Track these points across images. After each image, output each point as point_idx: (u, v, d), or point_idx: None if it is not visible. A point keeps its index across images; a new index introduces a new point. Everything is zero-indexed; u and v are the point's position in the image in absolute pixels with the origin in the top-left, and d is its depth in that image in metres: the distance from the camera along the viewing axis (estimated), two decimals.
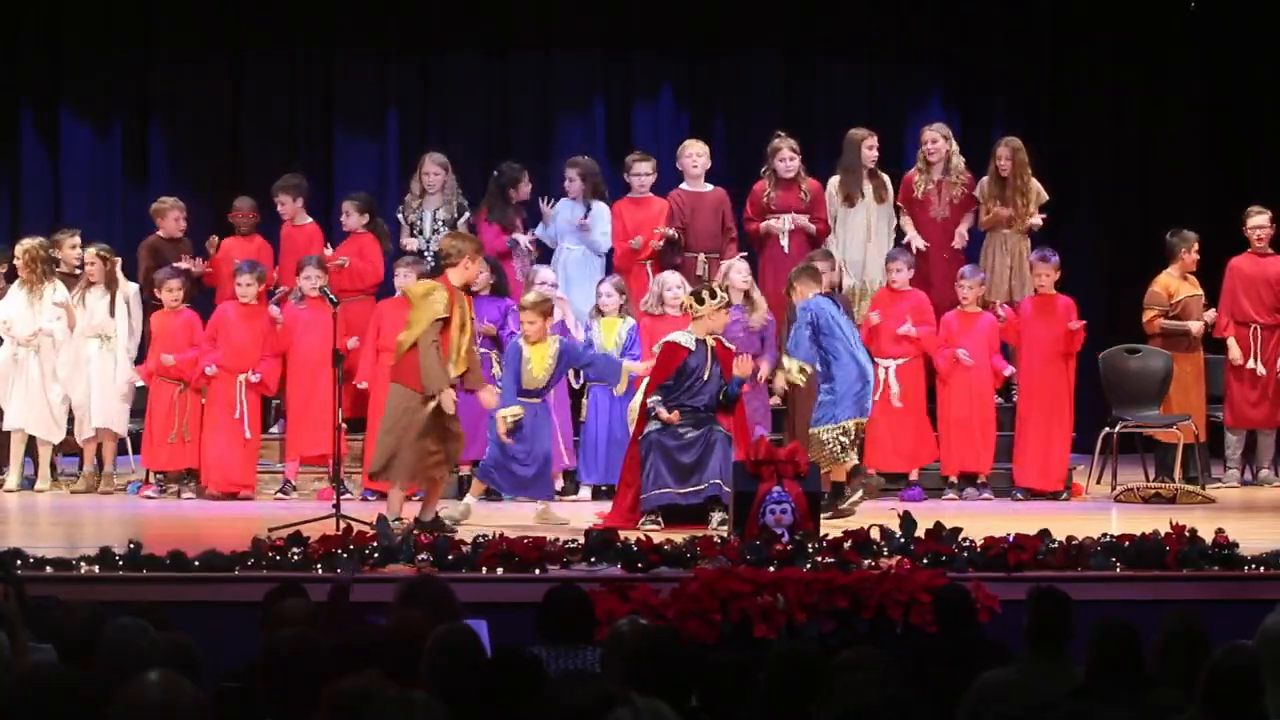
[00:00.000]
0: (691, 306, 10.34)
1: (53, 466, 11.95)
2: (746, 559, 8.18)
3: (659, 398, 10.14)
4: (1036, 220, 11.96)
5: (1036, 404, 11.54)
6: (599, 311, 11.41)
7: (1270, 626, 4.88)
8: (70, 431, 11.86)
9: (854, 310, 11.57)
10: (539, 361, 10.17)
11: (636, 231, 11.88)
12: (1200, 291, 12.21)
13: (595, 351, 10.74)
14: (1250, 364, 12.14)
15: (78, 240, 12.00)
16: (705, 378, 10.17)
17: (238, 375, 11.46)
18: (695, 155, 12.04)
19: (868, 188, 12.08)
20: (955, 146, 12.21)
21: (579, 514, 10.40)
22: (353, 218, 12.00)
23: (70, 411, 11.81)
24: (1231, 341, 12.18)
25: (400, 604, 5.63)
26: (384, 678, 4.39)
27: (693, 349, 10.20)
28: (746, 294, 11.32)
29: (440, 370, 9.43)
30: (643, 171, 12.06)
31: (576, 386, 11.47)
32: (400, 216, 12.13)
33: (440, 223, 12.00)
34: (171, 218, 12.13)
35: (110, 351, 11.73)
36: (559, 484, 11.21)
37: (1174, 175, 14.13)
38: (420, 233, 12.04)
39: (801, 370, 10.52)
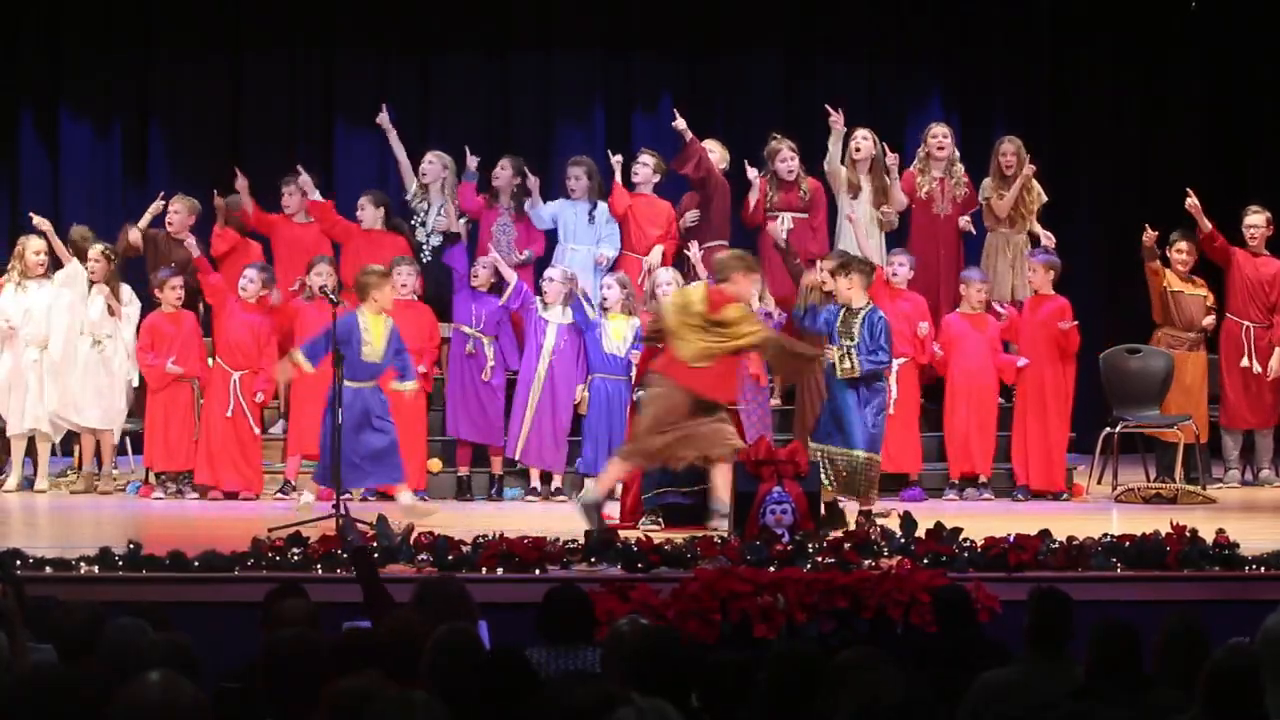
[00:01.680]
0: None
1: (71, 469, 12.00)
2: (746, 559, 8.18)
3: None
4: (1045, 238, 11.94)
5: (1035, 403, 11.55)
6: (602, 308, 11.44)
7: (1271, 626, 4.86)
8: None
9: None
10: (377, 332, 10.14)
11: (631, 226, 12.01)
12: (1205, 293, 12.20)
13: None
14: (1244, 362, 12.14)
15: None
16: None
17: (233, 373, 11.47)
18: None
19: (869, 186, 12.07)
20: (956, 150, 12.24)
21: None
22: (368, 212, 12.00)
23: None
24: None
25: (416, 604, 5.62)
26: (384, 678, 4.39)
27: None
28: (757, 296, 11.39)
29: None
30: (642, 163, 12.08)
31: (581, 384, 11.48)
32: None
33: (441, 219, 12.01)
34: (171, 211, 12.10)
35: (102, 351, 11.73)
36: (537, 481, 11.43)
37: (1174, 175, 14.09)
38: (423, 225, 12.06)
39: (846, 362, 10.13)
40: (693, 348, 9.68)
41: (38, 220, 11.89)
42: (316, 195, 12.02)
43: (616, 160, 12.10)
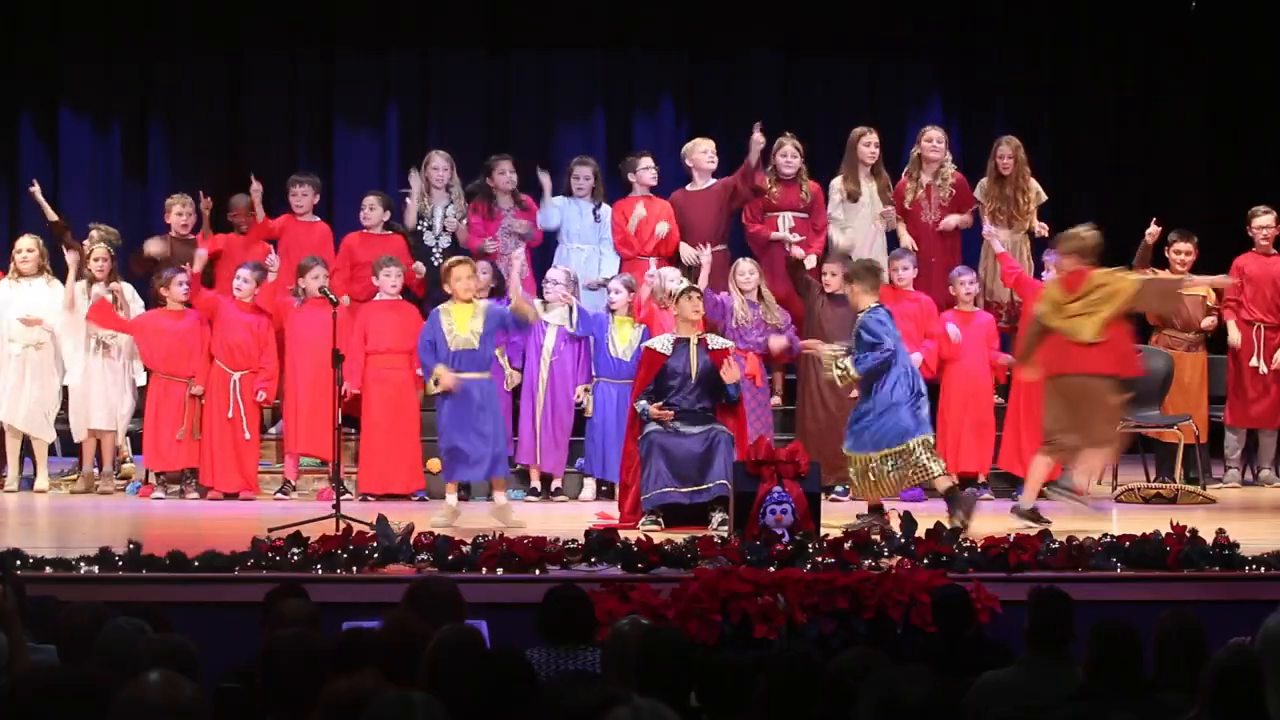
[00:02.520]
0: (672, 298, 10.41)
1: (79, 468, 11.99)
2: (746, 559, 8.18)
3: (644, 402, 10.14)
4: (1040, 229, 11.96)
5: (1030, 397, 11.55)
6: (609, 310, 11.43)
7: (1271, 627, 4.87)
8: (66, 431, 11.88)
9: None
10: (461, 320, 10.13)
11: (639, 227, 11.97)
12: (1205, 293, 12.20)
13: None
14: (1254, 362, 12.15)
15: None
16: (691, 376, 10.14)
17: (232, 374, 11.46)
18: (712, 153, 12.06)
19: (871, 186, 12.07)
20: (947, 153, 12.22)
21: (580, 514, 10.40)
22: (376, 211, 12.01)
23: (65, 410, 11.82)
24: (1232, 325, 12.16)
25: (407, 604, 5.62)
26: (383, 678, 4.38)
27: (669, 352, 10.20)
28: (759, 292, 11.38)
29: None
30: (649, 165, 12.07)
31: (584, 385, 11.47)
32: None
33: (450, 219, 12.01)
34: (174, 212, 12.13)
35: (107, 352, 11.70)
36: (537, 481, 11.46)
37: (1174, 175, 14.13)
38: (430, 228, 12.05)
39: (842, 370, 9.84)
40: (1090, 325, 9.76)
41: (36, 194, 11.86)
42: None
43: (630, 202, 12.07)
